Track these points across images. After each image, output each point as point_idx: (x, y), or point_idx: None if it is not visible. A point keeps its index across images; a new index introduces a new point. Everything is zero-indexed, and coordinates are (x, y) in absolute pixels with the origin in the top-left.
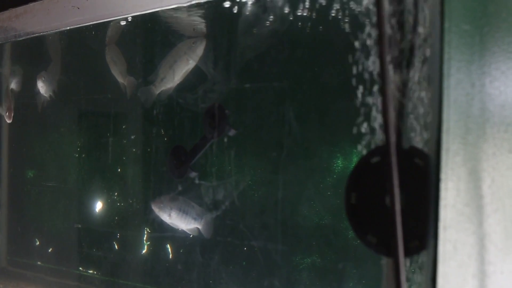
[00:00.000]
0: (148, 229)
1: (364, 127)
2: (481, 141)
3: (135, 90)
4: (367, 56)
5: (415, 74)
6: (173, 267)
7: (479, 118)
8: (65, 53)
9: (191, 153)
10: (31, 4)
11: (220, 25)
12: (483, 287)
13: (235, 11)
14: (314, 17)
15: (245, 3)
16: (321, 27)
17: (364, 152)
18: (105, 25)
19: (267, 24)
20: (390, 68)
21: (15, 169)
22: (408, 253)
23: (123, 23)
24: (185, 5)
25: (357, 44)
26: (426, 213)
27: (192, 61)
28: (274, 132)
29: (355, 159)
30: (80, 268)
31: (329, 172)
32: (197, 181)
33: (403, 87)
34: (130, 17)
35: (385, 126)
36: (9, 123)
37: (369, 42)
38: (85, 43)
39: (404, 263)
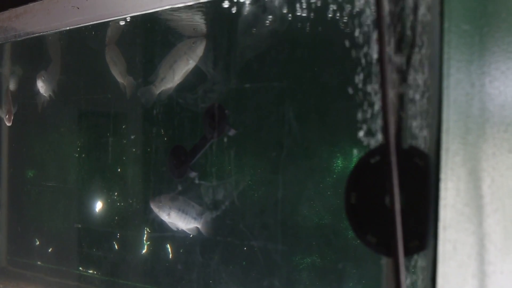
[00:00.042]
0: (148, 229)
1: (364, 127)
2: (481, 141)
3: (135, 90)
4: (367, 56)
5: (415, 74)
6: (173, 267)
7: (478, 118)
8: (65, 53)
9: (191, 153)
10: (31, 4)
11: (220, 25)
12: (483, 287)
13: (235, 11)
14: (314, 17)
15: (245, 3)
16: (320, 27)
17: (364, 152)
18: (105, 25)
19: (267, 24)
20: (389, 68)
21: (15, 169)
22: (408, 253)
23: (122, 23)
24: (185, 5)
25: (356, 44)
26: (426, 213)
27: (192, 61)
28: (274, 132)
29: (354, 159)
30: (80, 268)
31: (329, 172)
32: (197, 181)
33: (403, 87)
34: (130, 17)
35: (385, 126)
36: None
37: (368, 42)
38: (85, 43)
39: (404, 263)
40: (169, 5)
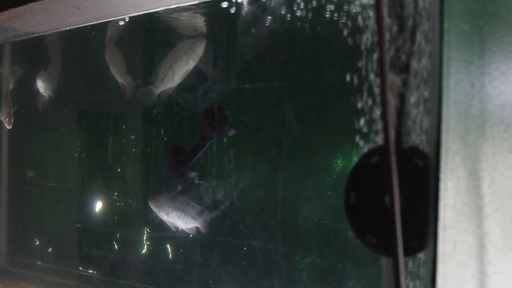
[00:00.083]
0: (148, 229)
1: (364, 127)
2: (481, 141)
3: (135, 90)
4: (367, 56)
5: (415, 74)
6: (173, 267)
7: (478, 118)
8: (65, 53)
9: (190, 153)
10: (31, 4)
11: (220, 25)
12: (483, 287)
13: (235, 11)
14: (314, 17)
15: (245, 3)
16: (320, 27)
17: (364, 152)
18: (105, 25)
19: (267, 24)
20: (389, 68)
21: (15, 169)
22: (407, 253)
23: (122, 23)
24: (185, 5)
25: (356, 44)
26: (425, 213)
27: (192, 61)
28: (274, 132)
29: (354, 159)
30: (80, 268)
31: (329, 172)
32: (197, 181)
33: (403, 87)
34: (130, 17)
35: (384, 126)
36: None
37: (368, 42)
38: (85, 43)
39: (403, 263)
40: (169, 5)
